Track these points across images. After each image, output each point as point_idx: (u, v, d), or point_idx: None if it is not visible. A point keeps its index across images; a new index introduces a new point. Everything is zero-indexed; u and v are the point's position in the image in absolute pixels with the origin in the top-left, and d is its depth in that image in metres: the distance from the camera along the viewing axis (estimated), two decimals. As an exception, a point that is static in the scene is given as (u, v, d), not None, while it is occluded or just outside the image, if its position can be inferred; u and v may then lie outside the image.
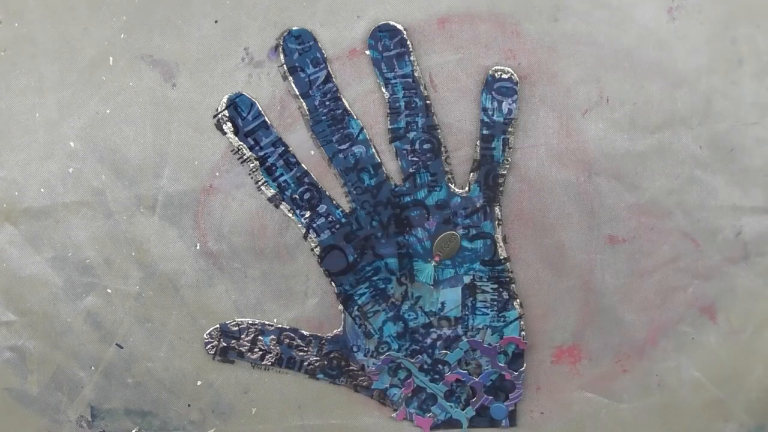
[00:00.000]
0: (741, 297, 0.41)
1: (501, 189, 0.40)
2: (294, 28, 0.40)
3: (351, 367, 0.42)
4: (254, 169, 0.41)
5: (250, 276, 0.42)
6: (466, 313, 0.42)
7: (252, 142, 0.41)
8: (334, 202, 0.41)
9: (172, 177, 0.41)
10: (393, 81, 0.40)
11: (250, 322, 0.42)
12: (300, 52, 0.40)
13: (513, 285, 0.41)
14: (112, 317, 0.42)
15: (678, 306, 0.41)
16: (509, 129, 0.40)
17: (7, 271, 0.42)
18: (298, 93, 0.40)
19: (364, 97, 0.40)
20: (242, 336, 0.42)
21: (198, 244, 0.41)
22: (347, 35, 0.40)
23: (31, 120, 0.41)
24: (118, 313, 0.42)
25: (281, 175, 0.41)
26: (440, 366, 0.42)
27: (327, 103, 0.40)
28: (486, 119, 0.40)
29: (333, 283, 0.42)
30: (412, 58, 0.40)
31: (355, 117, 0.40)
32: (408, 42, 0.39)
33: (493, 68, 0.39)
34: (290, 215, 0.41)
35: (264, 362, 0.42)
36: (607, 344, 0.42)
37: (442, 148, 0.40)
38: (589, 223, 0.41)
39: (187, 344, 0.42)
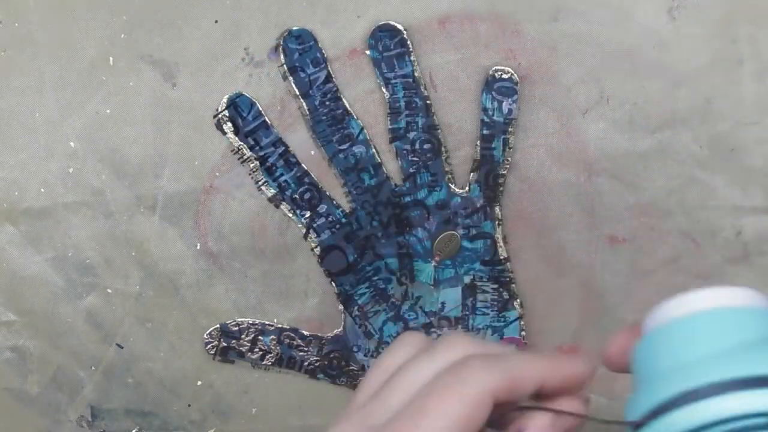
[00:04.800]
0: (741, 297, 0.41)
1: (501, 189, 0.40)
2: (294, 28, 0.40)
3: (351, 367, 0.42)
4: (254, 169, 0.41)
5: (250, 276, 0.42)
6: (467, 313, 0.42)
7: (252, 142, 0.41)
8: (335, 202, 0.41)
9: (172, 177, 0.41)
10: (393, 81, 0.40)
11: (250, 322, 0.42)
12: (300, 52, 0.40)
13: (513, 285, 0.41)
14: (113, 317, 0.42)
15: (678, 306, 0.41)
16: (509, 129, 0.40)
17: (7, 271, 0.42)
18: (298, 93, 0.40)
19: (364, 97, 0.40)
20: (242, 336, 0.42)
21: (198, 244, 0.41)
22: (347, 35, 0.40)
23: (31, 120, 0.41)
24: (118, 313, 0.42)
25: (281, 175, 0.41)
26: (440, 366, 0.42)
27: (327, 103, 0.40)
28: (486, 119, 0.40)
29: (333, 283, 0.42)
30: (412, 58, 0.40)
31: (355, 117, 0.40)
32: (408, 42, 0.39)
33: (493, 68, 0.39)
34: (290, 215, 0.41)
35: (264, 362, 0.42)
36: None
37: (443, 148, 0.40)
38: (589, 223, 0.41)
39: (187, 344, 0.42)
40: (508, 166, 0.40)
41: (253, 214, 0.41)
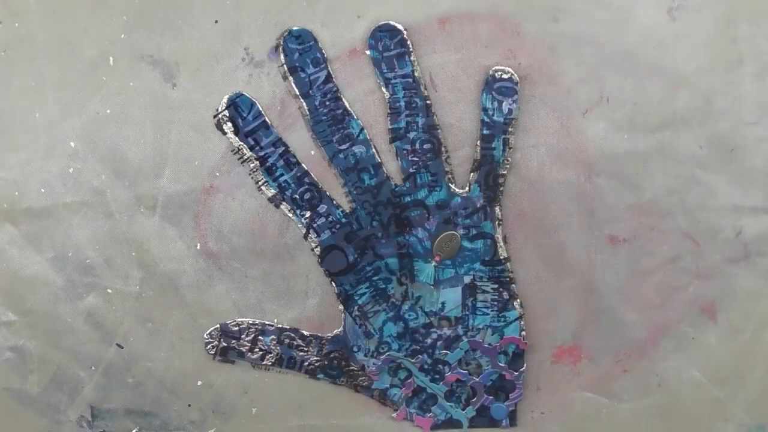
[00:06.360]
0: (741, 297, 0.41)
1: (501, 189, 0.40)
2: (294, 28, 0.40)
3: (351, 367, 0.42)
4: (254, 169, 0.41)
5: (250, 276, 0.42)
6: (467, 313, 0.42)
7: (252, 142, 0.41)
8: (335, 202, 0.41)
9: (172, 177, 0.41)
10: (393, 81, 0.40)
11: (250, 322, 0.42)
12: (300, 52, 0.40)
13: (513, 285, 0.41)
14: (113, 317, 0.42)
15: (678, 306, 0.41)
16: (509, 129, 0.40)
17: (7, 271, 0.42)
18: (298, 93, 0.40)
19: (364, 97, 0.40)
20: (242, 336, 0.42)
21: (198, 244, 0.42)
22: (347, 35, 0.40)
23: (31, 120, 0.41)
24: (118, 313, 0.42)
25: (281, 175, 0.41)
26: (440, 366, 0.42)
27: (327, 103, 0.40)
28: (486, 119, 0.40)
29: (333, 283, 0.42)
30: (412, 58, 0.40)
31: (355, 117, 0.40)
32: (408, 42, 0.39)
33: (493, 68, 0.40)
34: (290, 215, 0.41)
35: (264, 362, 0.42)
36: (607, 344, 0.42)
37: (443, 148, 0.40)
38: (589, 223, 0.41)
39: (188, 344, 0.42)
40: (508, 166, 0.40)
41: (253, 214, 0.41)
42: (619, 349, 0.42)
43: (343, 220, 0.41)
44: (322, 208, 0.41)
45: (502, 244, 0.41)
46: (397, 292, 0.41)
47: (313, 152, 0.41)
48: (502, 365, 0.42)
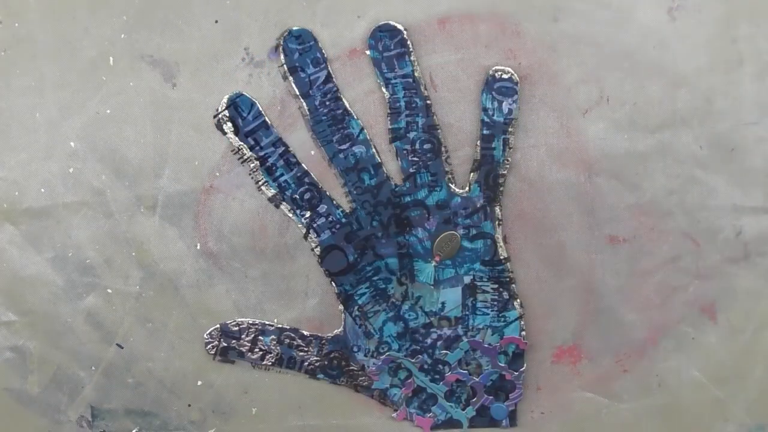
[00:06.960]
0: (741, 297, 0.41)
1: (501, 189, 0.40)
2: (294, 28, 0.40)
3: (351, 367, 0.42)
4: (254, 169, 0.41)
5: (250, 276, 0.42)
6: (467, 313, 0.42)
7: (252, 142, 0.41)
8: (335, 202, 0.41)
9: (172, 177, 0.41)
10: (393, 81, 0.40)
11: (250, 322, 0.42)
12: (300, 52, 0.40)
13: (513, 285, 0.41)
14: (113, 317, 0.42)
15: (678, 306, 0.41)
16: (509, 129, 0.40)
17: (7, 271, 0.42)
18: (298, 93, 0.40)
19: (364, 97, 0.40)
20: (242, 336, 0.42)
21: (198, 244, 0.42)
22: (347, 35, 0.40)
23: (31, 120, 0.41)
24: (118, 313, 0.42)
25: (281, 175, 0.41)
26: (440, 366, 0.42)
27: (327, 103, 0.40)
28: (486, 119, 0.40)
29: (333, 283, 0.42)
30: (412, 58, 0.40)
31: (355, 117, 0.40)
32: (408, 42, 0.39)
33: (494, 68, 0.40)
34: (290, 215, 0.41)
35: (264, 362, 0.42)
36: (607, 344, 0.42)
37: (443, 148, 0.40)
38: (589, 223, 0.41)
39: (188, 344, 0.42)
40: (508, 166, 0.40)
41: (253, 214, 0.41)
42: (619, 349, 0.42)
43: (343, 220, 0.41)
44: (322, 208, 0.41)
45: (502, 244, 0.41)
46: (397, 292, 0.41)
47: (313, 152, 0.41)
48: (502, 365, 0.42)
